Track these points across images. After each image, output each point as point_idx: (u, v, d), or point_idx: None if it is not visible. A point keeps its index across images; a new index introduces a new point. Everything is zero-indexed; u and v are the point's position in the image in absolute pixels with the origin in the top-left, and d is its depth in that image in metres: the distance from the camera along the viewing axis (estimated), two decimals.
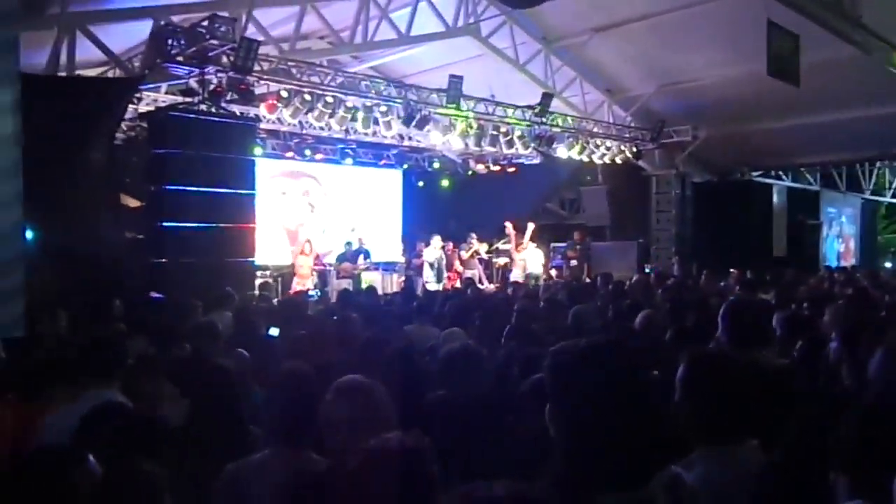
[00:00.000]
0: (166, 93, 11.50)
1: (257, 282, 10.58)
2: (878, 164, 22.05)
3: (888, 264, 20.71)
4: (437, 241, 15.75)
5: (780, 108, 13.34)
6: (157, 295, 8.44)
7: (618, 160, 15.77)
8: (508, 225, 16.54)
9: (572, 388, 1.51)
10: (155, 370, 3.08)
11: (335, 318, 5.79)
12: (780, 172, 19.10)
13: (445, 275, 15.65)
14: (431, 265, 15.71)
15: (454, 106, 12.66)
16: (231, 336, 5.02)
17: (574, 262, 16.34)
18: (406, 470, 1.65)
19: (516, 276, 15.12)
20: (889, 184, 24.35)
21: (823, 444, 1.76)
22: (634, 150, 15.75)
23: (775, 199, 18.89)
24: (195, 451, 2.34)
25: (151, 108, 11.02)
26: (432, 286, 14.16)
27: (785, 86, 8.78)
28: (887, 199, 24.78)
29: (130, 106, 10.34)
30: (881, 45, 7.14)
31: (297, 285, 13.34)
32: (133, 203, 10.18)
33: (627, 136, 15.74)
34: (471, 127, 13.55)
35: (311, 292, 11.47)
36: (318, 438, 2.29)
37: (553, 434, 1.53)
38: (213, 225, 9.52)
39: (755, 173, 18.08)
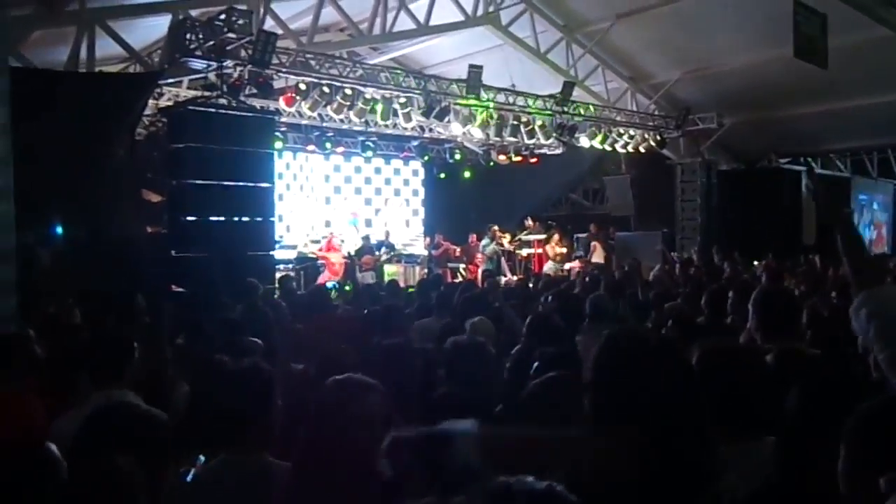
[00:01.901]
0: (187, 88, 11.54)
1: (277, 275, 10.58)
2: None
3: None
4: (491, 233, 15.82)
5: (808, 92, 13.03)
6: (178, 289, 8.48)
7: (641, 149, 15.55)
8: (529, 220, 16.50)
9: (630, 373, 1.43)
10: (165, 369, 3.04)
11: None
12: (809, 159, 18.69)
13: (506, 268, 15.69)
14: (490, 259, 15.65)
15: (474, 96, 12.55)
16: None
17: (594, 253, 16.16)
18: None
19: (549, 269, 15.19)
20: None
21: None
22: (658, 138, 15.51)
23: (804, 186, 18.49)
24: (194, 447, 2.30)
25: (171, 103, 11.08)
26: None
27: (812, 70, 8.54)
28: None
29: (151, 101, 10.39)
30: None
31: (328, 280, 13.43)
32: (154, 198, 10.25)
33: (651, 124, 15.51)
34: (491, 117, 13.44)
35: (328, 284, 11.49)
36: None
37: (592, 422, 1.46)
38: (234, 218, 9.57)
39: (783, 160, 17.69)
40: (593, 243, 16.14)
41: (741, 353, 2.10)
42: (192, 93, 11.43)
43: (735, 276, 8.74)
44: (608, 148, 15.14)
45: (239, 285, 6.96)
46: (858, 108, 13.72)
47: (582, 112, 14.34)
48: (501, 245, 16.34)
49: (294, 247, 14.91)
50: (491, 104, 13.27)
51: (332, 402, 2.01)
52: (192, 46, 9.37)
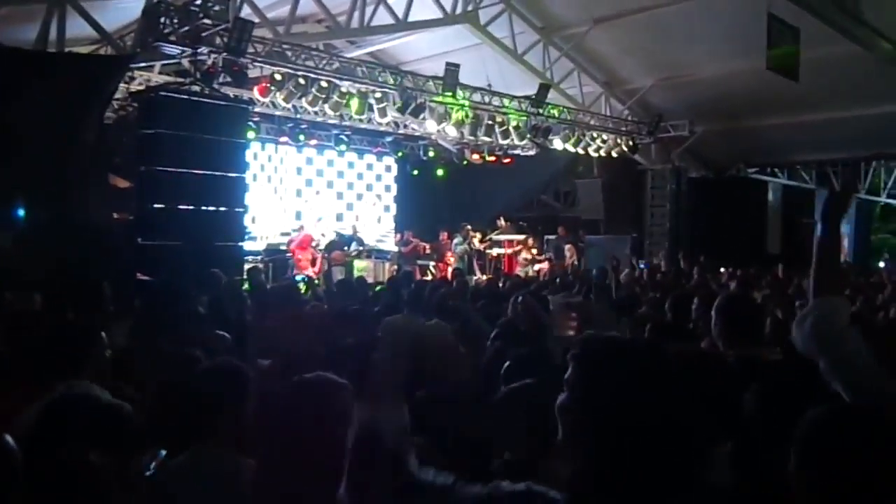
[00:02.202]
0: (159, 73, 11.34)
1: (245, 266, 10.47)
2: (873, 163, 22.00)
3: (881, 264, 20.68)
4: (463, 232, 15.86)
5: (778, 104, 13.26)
6: (144, 277, 8.34)
7: (614, 153, 15.69)
8: (501, 220, 16.57)
9: (604, 382, 1.41)
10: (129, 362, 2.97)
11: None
12: (776, 170, 19.03)
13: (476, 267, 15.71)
14: (461, 258, 15.65)
15: (450, 94, 12.55)
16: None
17: (568, 255, 16.26)
18: None
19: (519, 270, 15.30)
20: (884, 184, 24.31)
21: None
22: (631, 143, 15.68)
23: (770, 196, 18.87)
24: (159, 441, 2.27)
25: (143, 87, 10.88)
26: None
27: (783, 82, 8.70)
28: (882, 199, 24.76)
29: (122, 85, 10.19)
30: (882, 42, 7.06)
31: (297, 273, 13.32)
32: (122, 183, 10.06)
33: (624, 129, 15.66)
34: (467, 116, 13.44)
35: (298, 277, 11.42)
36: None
37: (566, 434, 1.44)
38: (203, 208, 9.43)
39: (751, 170, 17.99)
40: (567, 246, 16.23)
41: (702, 357, 2.12)
42: (165, 78, 11.25)
43: (701, 283, 8.88)
44: (581, 151, 15.26)
45: (205, 275, 6.87)
46: (825, 122, 14.01)
47: (556, 114, 14.42)
48: (472, 245, 16.39)
49: (255, 238, 14.71)
50: (466, 103, 13.28)
51: (301, 400, 1.98)
52: (166, 31, 9.22)
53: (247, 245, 11.80)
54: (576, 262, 15.59)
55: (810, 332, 1.98)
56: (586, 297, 6.93)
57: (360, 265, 14.53)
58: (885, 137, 14.93)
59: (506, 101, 13.79)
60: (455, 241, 16.16)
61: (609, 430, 1.35)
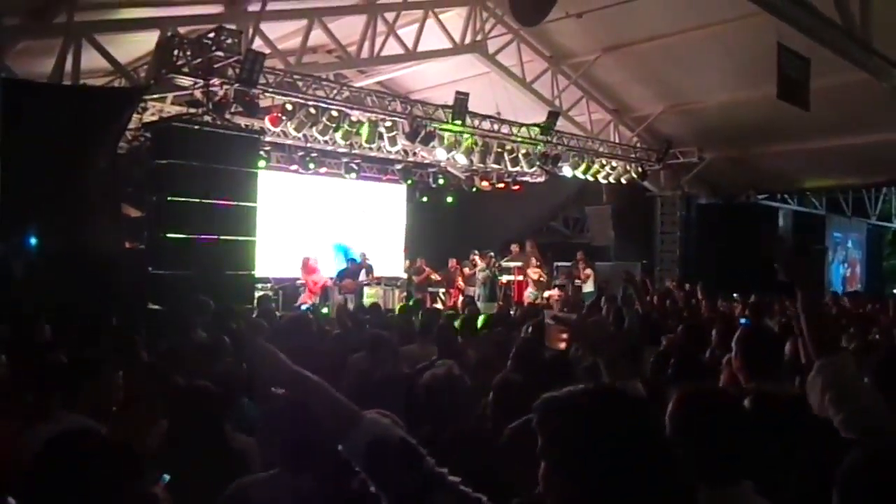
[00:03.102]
0: (171, 103, 11.48)
1: (256, 294, 10.48)
2: (884, 189, 21.94)
3: None
4: (471, 261, 15.82)
5: (787, 131, 13.26)
6: (154, 306, 8.36)
7: (623, 180, 15.70)
8: (514, 246, 16.51)
9: (569, 445, 1.34)
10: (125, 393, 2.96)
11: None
12: (787, 196, 19.00)
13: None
14: (484, 284, 15.53)
15: (460, 123, 12.61)
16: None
17: (579, 282, 16.18)
18: None
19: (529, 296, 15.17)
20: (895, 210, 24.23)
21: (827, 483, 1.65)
22: (640, 170, 15.70)
23: (781, 222, 18.79)
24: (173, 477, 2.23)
25: (156, 118, 11.01)
26: (485, 308, 12.33)
27: (792, 109, 8.69)
28: (894, 225, 24.65)
29: (135, 116, 10.31)
30: (892, 70, 7.07)
31: (303, 302, 13.33)
32: (134, 213, 10.13)
33: (633, 156, 15.68)
34: (476, 144, 13.50)
35: (303, 306, 11.39)
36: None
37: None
38: (214, 237, 9.47)
39: (761, 196, 17.97)
40: (587, 270, 16.07)
41: (719, 396, 2.09)
42: (177, 108, 11.37)
43: (714, 311, 8.82)
44: (590, 178, 15.27)
45: (192, 303, 6.86)
46: (835, 149, 14.00)
47: (565, 142, 14.46)
48: (495, 271, 16.25)
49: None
50: (468, 134, 13.28)
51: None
52: (179, 63, 9.35)
53: (257, 273, 11.82)
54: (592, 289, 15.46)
55: (820, 396, 2.03)
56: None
57: (369, 292, 14.52)
58: (894, 164, 14.91)
59: (515, 129, 13.85)
60: (479, 266, 16.02)
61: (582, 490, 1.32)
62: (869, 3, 6.39)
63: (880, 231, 24.39)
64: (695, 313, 9.38)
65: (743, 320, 7.37)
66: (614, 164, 15.35)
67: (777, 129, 13.21)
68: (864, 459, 1.56)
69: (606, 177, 15.37)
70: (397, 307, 11.42)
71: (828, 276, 20.63)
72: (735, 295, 11.04)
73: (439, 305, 14.13)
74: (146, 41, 9.91)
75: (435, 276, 16.20)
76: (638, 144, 15.84)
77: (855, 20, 6.27)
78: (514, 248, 16.70)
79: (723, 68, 12.38)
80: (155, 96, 10.78)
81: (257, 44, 10.18)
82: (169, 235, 9.28)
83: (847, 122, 12.76)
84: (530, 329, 6.51)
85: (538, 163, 14.40)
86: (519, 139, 13.94)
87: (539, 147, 14.11)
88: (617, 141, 15.50)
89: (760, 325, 4.91)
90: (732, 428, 1.90)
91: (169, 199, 9.29)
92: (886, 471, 1.49)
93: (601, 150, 15.06)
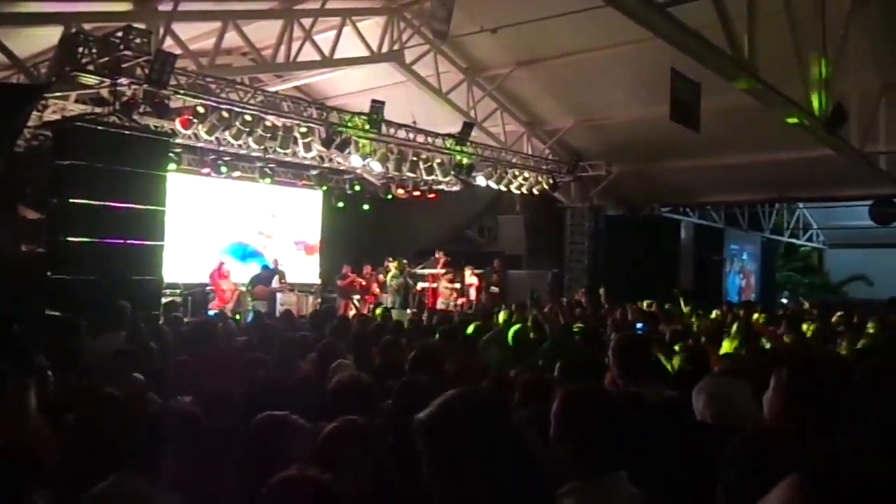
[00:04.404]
0: (74, 101, 11.04)
1: (163, 300, 10.21)
2: (776, 205, 23.40)
3: (784, 300, 21.92)
4: (396, 264, 15.81)
5: (687, 148, 13.97)
6: (52, 312, 8.03)
7: (535, 191, 16.16)
8: (439, 254, 16.73)
9: (439, 451, 1.52)
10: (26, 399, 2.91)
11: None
12: (688, 209, 20.00)
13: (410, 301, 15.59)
14: (397, 290, 15.58)
15: (375, 131, 12.68)
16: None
17: (494, 289, 16.52)
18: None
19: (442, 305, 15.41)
20: (787, 224, 25.88)
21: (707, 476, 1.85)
22: (551, 181, 16.20)
23: (683, 234, 19.77)
24: (70, 485, 2.25)
25: (58, 116, 10.57)
26: (398, 315, 12.28)
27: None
28: (785, 238, 26.33)
29: (34, 113, 9.87)
30: (778, 99, 7.65)
31: (215, 308, 13.05)
32: (32, 215, 9.69)
33: (545, 168, 16.17)
34: (391, 152, 13.61)
35: (236, 316, 11.18)
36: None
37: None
38: (119, 241, 9.19)
39: (664, 209, 18.85)
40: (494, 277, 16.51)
41: (597, 395, 2.27)
42: (81, 107, 10.95)
43: (615, 317, 9.24)
44: (503, 188, 15.65)
45: (113, 309, 6.69)
46: (730, 166, 14.89)
47: (479, 152, 14.77)
48: (413, 275, 16.42)
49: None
50: (386, 140, 13.37)
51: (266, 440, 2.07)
52: (84, 61, 9.03)
53: (166, 278, 11.51)
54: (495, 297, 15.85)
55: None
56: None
57: (283, 299, 14.38)
58: (784, 182, 15.97)
59: (430, 139, 14.03)
60: (391, 273, 16.11)
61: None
62: (755, 32, 6.89)
63: (773, 244, 25.98)
64: (600, 319, 9.83)
65: (640, 325, 7.77)
66: (527, 174, 15.78)
67: (677, 147, 13.90)
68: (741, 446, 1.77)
69: (519, 187, 15.79)
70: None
71: (725, 285, 21.82)
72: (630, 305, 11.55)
73: (353, 311, 14.14)
74: (48, 36, 9.53)
75: (360, 283, 16.21)
76: (549, 157, 16.35)
77: (743, 49, 6.75)
78: (439, 255, 16.91)
79: (627, 87, 12.99)
80: (57, 94, 10.35)
81: (168, 44, 9.96)
82: (70, 239, 8.95)
83: (741, 142, 13.60)
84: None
85: (452, 172, 14.65)
86: (434, 149, 14.14)
87: (456, 157, 14.35)
88: (529, 152, 15.93)
89: (633, 333, 5.24)
90: (607, 422, 2.08)
91: (71, 201, 8.96)
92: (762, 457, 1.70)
93: (514, 161, 15.46)
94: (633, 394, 2.80)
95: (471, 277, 16.41)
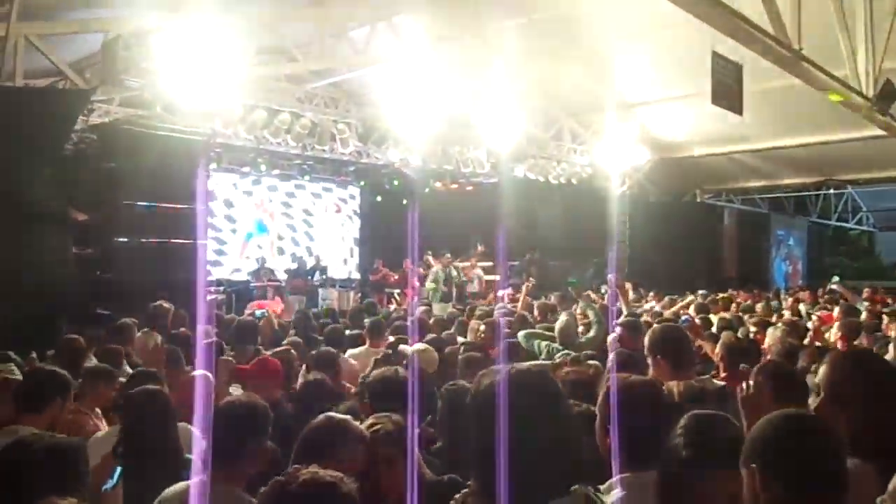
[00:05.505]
0: (118, 104, 11.30)
1: (207, 298, 10.39)
2: (823, 189, 22.77)
3: (833, 285, 21.33)
4: (436, 257, 15.38)
5: (729, 134, 13.71)
6: (103, 311, 8.25)
7: (574, 181, 15.98)
8: (480, 246, 16.64)
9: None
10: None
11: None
12: (731, 197, 19.60)
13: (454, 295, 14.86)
14: (437, 284, 14.84)
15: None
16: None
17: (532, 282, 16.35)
18: None
19: None
20: (835, 208, 25.15)
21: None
22: (591, 170, 16.00)
23: (726, 220, 19.38)
24: (127, 480, 2.30)
25: (103, 120, 10.82)
26: (440, 309, 12.02)
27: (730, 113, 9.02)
28: (833, 222, 25.60)
29: (81, 118, 10.12)
30: (822, 78, 7.42)
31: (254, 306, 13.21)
32: (82, 217, 9.95)
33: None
34: None
35: (256, 312, 11.32)
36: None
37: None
38: (163, 240, 9.39)
39: (707, 196, 18.50)
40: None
41: (640, 386, 2.24)
42: (125, 110, 11.20)
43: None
44: (542, 179, 15.51)
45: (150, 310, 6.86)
46: (775, 151, 14.52)
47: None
48: (451, 273, 16.22)
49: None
50: None
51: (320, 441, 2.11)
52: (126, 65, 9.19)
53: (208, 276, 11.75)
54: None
55: None
56: None
57: (324, 294, 14.53)
58: (830, 165, 15.53)
59: None
60: (433, 269, 15.97)
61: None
62: (799, 13, 6.71)
63: (820, 228, 25.31)
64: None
65: (684, 317, 7.64)
66: (565, 164, 15.62)
67: (720, 132, 13.61)
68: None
69: (558, 177, 15.63)
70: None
71: (771, 272, 21.35)
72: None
73: (394, 306, 14.18)
74: (93, 40, 9.73)
75: (393, 277, 16.26)
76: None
77: (786, 30, 6.57)
78: (481, 247, 16.81)
79: (663, 69, 12.71)
80: (101, 98, 10.59)
81: None
82: (118, 239, 9.18)
83: (786, 125, 13.25)
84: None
85: (490, 163, 14.58)
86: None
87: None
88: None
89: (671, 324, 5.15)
90: (650, 415, 2.05)
91: (118, 202, 9.18)
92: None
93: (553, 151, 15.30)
94: (689, 384, 2.74)
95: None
